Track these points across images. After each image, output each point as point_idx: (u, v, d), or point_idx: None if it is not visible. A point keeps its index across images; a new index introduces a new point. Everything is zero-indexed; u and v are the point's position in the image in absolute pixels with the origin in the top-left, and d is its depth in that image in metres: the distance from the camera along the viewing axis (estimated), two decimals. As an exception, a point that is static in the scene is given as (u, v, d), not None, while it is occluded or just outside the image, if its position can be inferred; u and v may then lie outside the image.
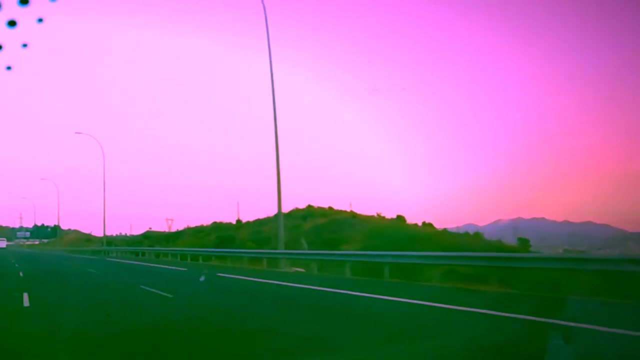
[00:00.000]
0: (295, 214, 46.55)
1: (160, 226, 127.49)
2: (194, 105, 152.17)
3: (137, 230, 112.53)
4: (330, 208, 46.01)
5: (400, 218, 43.46)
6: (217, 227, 58.77)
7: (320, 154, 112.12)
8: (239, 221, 59.13)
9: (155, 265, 30.40)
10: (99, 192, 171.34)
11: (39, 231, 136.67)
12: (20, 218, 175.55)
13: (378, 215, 44.33)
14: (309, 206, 47.32)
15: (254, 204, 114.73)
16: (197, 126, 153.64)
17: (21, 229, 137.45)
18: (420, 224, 42.63)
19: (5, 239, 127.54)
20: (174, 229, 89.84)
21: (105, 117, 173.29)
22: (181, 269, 25.60)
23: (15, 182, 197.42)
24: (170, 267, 27.25)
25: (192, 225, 64.84)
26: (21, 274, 23.14)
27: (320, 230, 37.58)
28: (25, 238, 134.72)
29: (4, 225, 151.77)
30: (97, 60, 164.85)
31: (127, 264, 32.87)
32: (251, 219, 54.46)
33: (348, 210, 46.26)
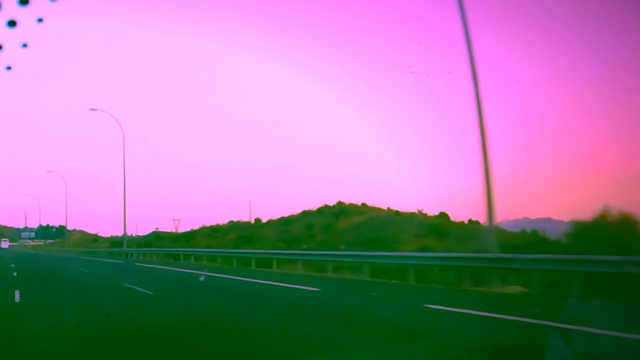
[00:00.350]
0: (325, 211, 42.06)
1: (167, 226, 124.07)
2: (194, 105, 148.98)
3: (143, 231, 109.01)
4: (364, 205, 41.46)
5: (443, 215, 39.04)
6: (234, 226, 54.28)
7: (318, 153, 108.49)
8: (258, 220, 54.70)
9: (231, 277, 18.76)
10: (104, 192, 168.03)
11: (44, 231, 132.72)
12: (25, 218, 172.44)
13: (420, 212, 39.83)
14: (340, 203, 42.80)
15: (263, 204, 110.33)
16: (198, 126, 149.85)
17: (26, 229, 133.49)
18: (466, 221, 38.47)
19: (7, 239, 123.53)
20: (181, 230, 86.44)
21: (108, 117, 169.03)
22: (309, 288, 14.43)
23: (20, 183, 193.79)
24: (279, 284, 15.96)
25: (207, 224, 60.18)
26: (17, 296, 12.58)
27: (360, 229, 32.99)
28: (30, 238, 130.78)
29: (8, 225, 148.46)
30: (98, 61, 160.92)
31: (179, 274, 21.89)
32: (269, 218, 50.31)
33: (383, 207, 41.84)
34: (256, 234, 39.64)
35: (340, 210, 40.33)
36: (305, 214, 42.54)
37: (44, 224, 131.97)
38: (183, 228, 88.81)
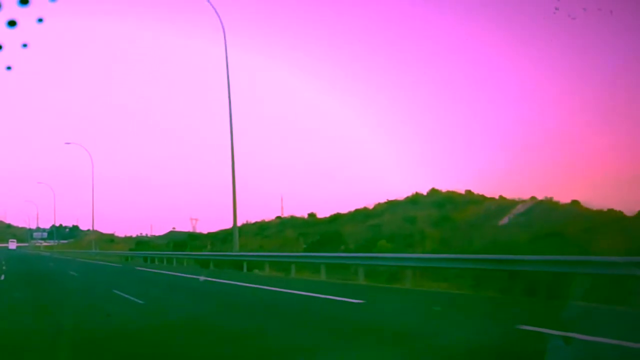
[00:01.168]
0: (419, 200, 33.00)
1: (183, 226, 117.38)
2: (195, 104, 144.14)
3: (159, 231, 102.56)
4: (469, 192, 32.30)
5: (575, 203, 30.37)
6: (286, 222, 45.31)
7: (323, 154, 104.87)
8: (312, 215, 45.69)
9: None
10: (112, 192, 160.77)
11: (57, 232, 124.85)
12: (37, 218, 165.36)
13: (548, 198, 30.87)
14: (435, 190, 33.68)
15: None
16: (206, 126, 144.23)
17: (38, 229, 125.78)
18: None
19: (15, 240, 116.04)
20: (198, 230, 79.49)
21: (115, 116, 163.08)
22: None
23: (30, 183, 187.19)
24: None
25: (251, 220, 51.20)
26: None
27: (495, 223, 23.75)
28: (43, 239, 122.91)
29: (20, 226, 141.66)
30: (113, 58, 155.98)
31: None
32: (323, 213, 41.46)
33: (488, 195, 32.68)
34: (330, 231, 30.45)
35: (443, 199, 31.22)
36: (392, 204, 33.46)
37: (56, 225, 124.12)
38: (201, 227, 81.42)
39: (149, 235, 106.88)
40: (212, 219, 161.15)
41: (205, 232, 64.88)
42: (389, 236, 26.33)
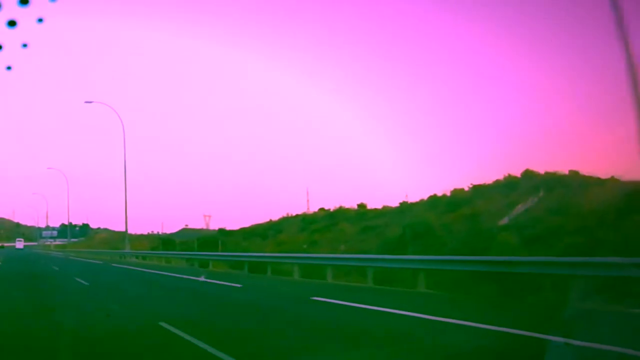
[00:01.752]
0: (516, 183, 27.79)
1: (195, 223, 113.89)
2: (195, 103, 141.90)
3: (170, 229, 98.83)
4: (574, 172, 27.03)
5: None
6: (335, 214, 40.11)
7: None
8: (362, 205, 40.71)
9: None
10: (128, 190, 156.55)
11: (66, 230, 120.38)
12: (47, 217, 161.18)
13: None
14: (529, 171, 28.45)
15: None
16: (216, 125, 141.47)
17: (47, 228, 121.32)
18: None
19: (22, 239, 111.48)
20: (211, 227, 76.73)
21: (125, 116, 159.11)
22: None
23: (40, 182, 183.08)
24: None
25: (292, 213, 46.33)
26: None
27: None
28: (52, 238, 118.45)
29: (29, 224, 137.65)
30: (113, 58, 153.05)
31: None
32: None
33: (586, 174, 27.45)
34: (428, 223, 25.20)
35: (547, 182, 25.96)
36: (478, 189, 28.31)
37: (66, 224, 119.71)
38: (214, 224, 78.70)
39: (160, 233, 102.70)
40: (222, 217, 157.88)
41: (224, 228, 59.57)
42: (499, 228, 21.20)
